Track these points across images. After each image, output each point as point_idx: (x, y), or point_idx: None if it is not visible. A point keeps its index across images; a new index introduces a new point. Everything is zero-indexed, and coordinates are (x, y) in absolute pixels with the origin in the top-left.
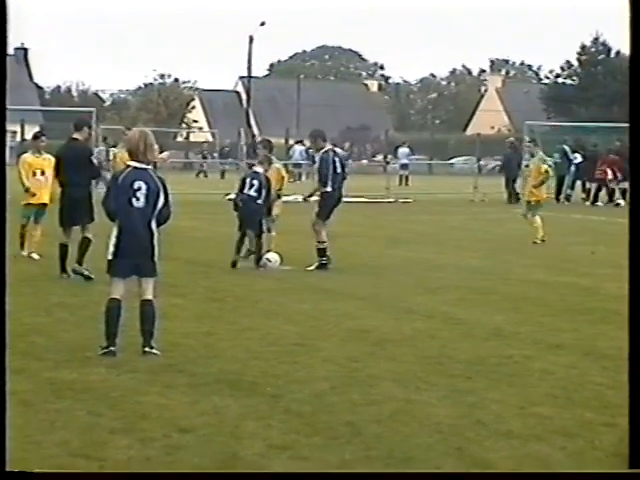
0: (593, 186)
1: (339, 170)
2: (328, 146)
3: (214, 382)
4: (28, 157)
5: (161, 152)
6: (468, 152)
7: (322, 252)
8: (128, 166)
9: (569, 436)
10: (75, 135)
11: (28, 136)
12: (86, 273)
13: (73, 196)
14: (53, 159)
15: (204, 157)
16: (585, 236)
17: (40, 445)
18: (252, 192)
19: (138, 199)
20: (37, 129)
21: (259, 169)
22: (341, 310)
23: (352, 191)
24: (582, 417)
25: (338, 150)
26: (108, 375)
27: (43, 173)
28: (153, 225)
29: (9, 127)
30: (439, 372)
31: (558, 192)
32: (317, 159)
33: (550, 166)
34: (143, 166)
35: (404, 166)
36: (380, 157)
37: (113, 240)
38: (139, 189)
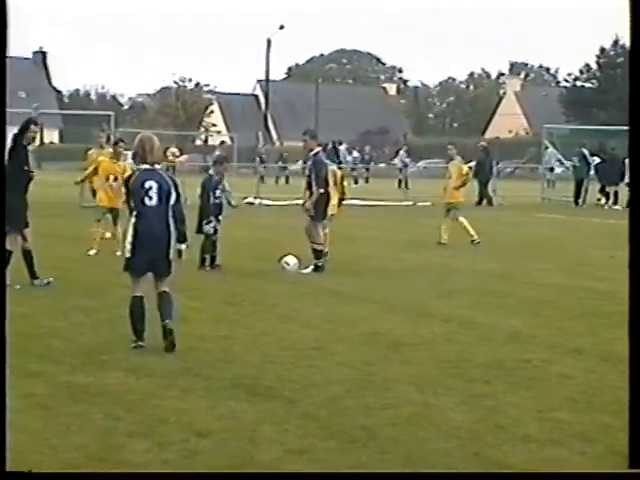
0: (612, 189)
1: (329, 171)
2: (318, 148)
3: (231, 386)
4: (104, 161)
5: (180, 155)
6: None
7: (318, 254)
8: (140, 169)
9: (588, 440)
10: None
11: (46, 140)
12: (45, 282)
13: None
14: (128, 166)
15: (262, 161)
16: (603, 240)
17: (57, 449)
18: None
19: (151, 198)
20: (56, 133)
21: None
22: (356, 313)
23: (370, 194)
24: (601, 421)
25: (355, 154)
26: (125, 379)
27: (116, 179)
28: (171, 224)
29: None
30: (456, 376)
31: (577, 196)
32: (309, 161)
33: (470, 168)
34: (152, 167)
35: (402, 169)
36: (397, 160)
37: (129, 239)
38: (150, 188)
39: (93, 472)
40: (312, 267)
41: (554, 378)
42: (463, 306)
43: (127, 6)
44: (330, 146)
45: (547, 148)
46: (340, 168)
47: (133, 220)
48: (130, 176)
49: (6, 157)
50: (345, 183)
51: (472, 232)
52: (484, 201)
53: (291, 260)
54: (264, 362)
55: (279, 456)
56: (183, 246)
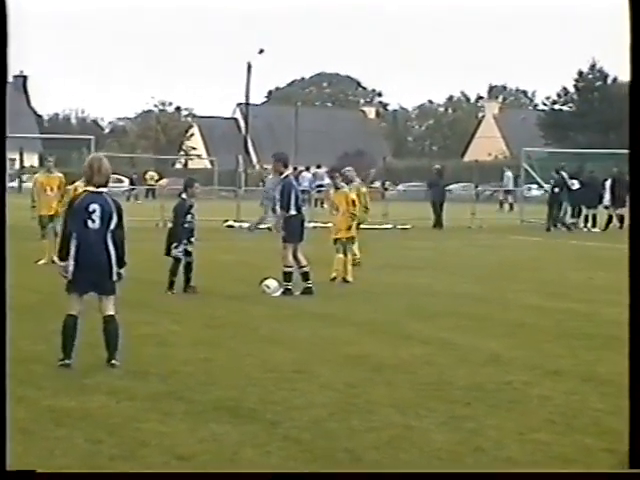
0: (590, 212)
1: (299, 194)
2: (288, 171)
3: (212, 409)
4: (41, 176)
5: (160, 179)
6: (466, 179)
7: (288, 277)
8: (85, 191)
9: (568, 462)
10: None
11: (27, 163)
12: None
13: None
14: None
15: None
16: (582, 262)
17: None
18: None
19: (94, 221)
20: (36, 157)
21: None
22: (339, 336)
23: None
24: (581, 443)
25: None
26: (107, 402)
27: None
28: (109, 244)
29: (8, 154)
30: (438, 398)
31: (555, 218)
32: (279, 185)
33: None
34: (98, 190)
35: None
36: (378, 184)
37: (71, 260)
38: (94, 211)
39: (93, 472)
40: (282, 290)
41: (534, 400)
42: (443, 328)
43: (107, 31)
44: (344, 171)
45: (504, 171)
46: (319, 192)
47: (74, 242)
48: (76, 196)
49: None
50: (357, 205)
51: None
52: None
53: (272, 283)
54: (246, 384)
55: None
56: (121, 270)
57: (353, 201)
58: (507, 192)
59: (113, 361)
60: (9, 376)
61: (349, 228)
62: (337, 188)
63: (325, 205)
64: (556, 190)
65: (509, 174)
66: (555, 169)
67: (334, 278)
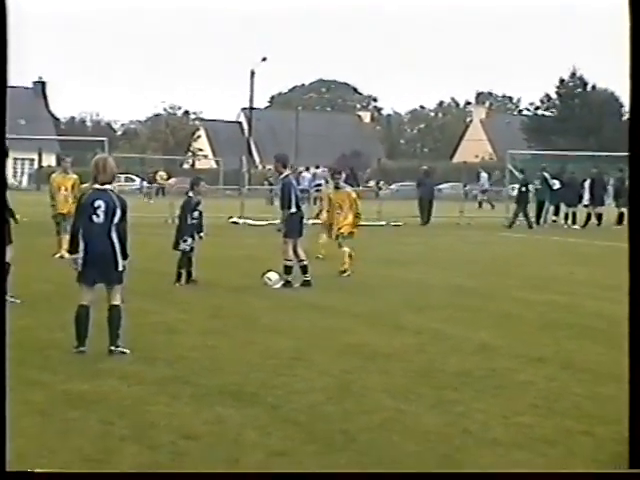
0: (570, 210)
1: (298, 193)
2: (288, 171)
3: (217, 393)
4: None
5: (169, 178)
6: (455, 179)
7: (288, 270)
8: (91, 188)
9: (550, 443)
10: None
11: (45, 163)
12: (12, 300)
13: None
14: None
15: (270, 184)
16: (564, 257)
17: (55, 452)
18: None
19: (98, 216)
20: (54, 157)
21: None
22: (336, 326)
23: None
24: (562, 425)
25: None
26: (118, 386)
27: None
28: (114, 237)
29: (28, 155)
30: (428, 384)
31: (538, 216)
32: (279, 184)
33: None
34: (103, 187)
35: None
36: (372, 183)
37: (81, 253)
38: (99, 207)
39: (93, 472)
40: (282, 283)
41: (519, 386)
42: (435, 319)
43: (121, 37)
44: (348, 171)
45: (479, 173)
46: (318, 191)
47: (82, 236)
48: (83, 194)
49: None
50: (359, 204)
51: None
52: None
53: (273, 276)
54: (249, 370)
55: (262, 458)
56: (125, 262)
57: (355, 200)
58: (483, 192)
59: (114, 348)
60: (25, 362)
61: (351, 225)
62: (338, 187)
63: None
64: (523, 189)
65: (484, 175)
66: (520, 170)
67: (344, 271)
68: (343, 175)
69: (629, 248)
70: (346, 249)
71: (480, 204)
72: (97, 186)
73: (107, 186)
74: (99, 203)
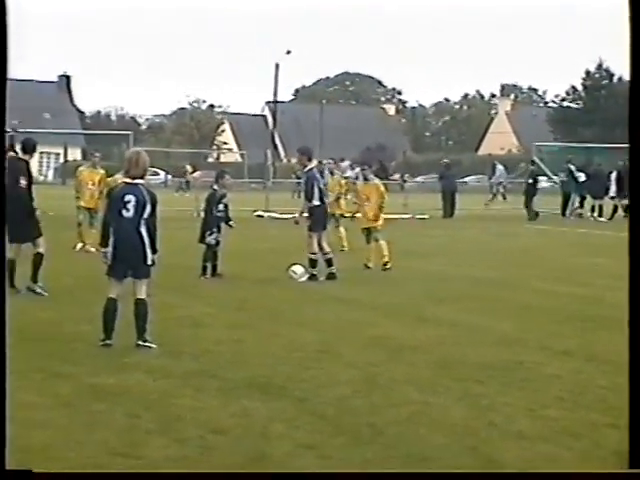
0: (596, 202)
1: (322, 185)
2: (312, 164)
3: (244, 386)
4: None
5: (194, 171)
6: (480, 171)
7: (313, 263)
8: (122, 182)
9: (575, 436)
10: (23, 157)
11: (70, 157)
12: (38, 290)
13: (14, 213)
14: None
15: (298, 177)
16: (587, 249)
17: (82, 444)
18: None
19: (128, 210)
20: (79, 151)
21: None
22: (361, 319)
23: None
24: (587, 418)
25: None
26: (144, 379)
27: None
28: (143, 231)
29: (53, 149)
30: (453, 376)
31: (564, 208)
32: (303, 177)
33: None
34: (134, 181)
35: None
36: (397, 176)
37: (110, 247)
38: (129, 201)
39: (93, 472)
40: (307, 276)
41: (544, 378)
42: (459, 311)
43: (144, 33)
44: (378, 165)
45: (495, 165)
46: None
47: (112, 230)
48: (114, 188)
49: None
50: (386, 197)
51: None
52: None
53: (298, 269)
54: (275, 364)
55: (290, 451)
56: (154, 256)
57: (382, 193)
58: (499, 184)
59: (141, 342)
60: (53, 355)
61: (377, 218)
62: (366, 180)
63: (349, 196)
64: (530, 181)
65: (500, 167)
66: (531, 162)
67: (386, 263)
68: (373, 168)
69: (629, 246)
70: (382, 242)
71: (494, 196)
72: (128, 180)
73: (138, 180)
74: (129, 197)
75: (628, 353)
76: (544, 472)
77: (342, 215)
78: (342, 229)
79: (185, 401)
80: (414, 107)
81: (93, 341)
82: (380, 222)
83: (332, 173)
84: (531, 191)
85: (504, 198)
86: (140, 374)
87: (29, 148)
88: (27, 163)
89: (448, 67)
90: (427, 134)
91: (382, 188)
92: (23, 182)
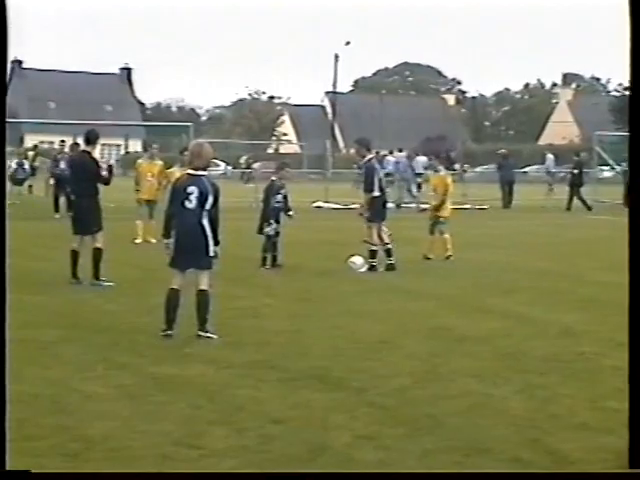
0: None
1: (382, 176)
2: (371, 155)
3: (303, 377)
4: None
5: (254, 163)
6: (541, 161)
7: (373, 254)
8: (186, 174)
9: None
10: (86, 148)
11: (131, 149)
12: (105, 284)
13: (80, 206)
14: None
15: (359, 167)
16: None
17: (144, 434)
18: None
19: (190, 201)
20: (140, 143)
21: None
22: (421, 309)
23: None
24: None
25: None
26: (206, 370)
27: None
28: (205, 223)
29: (114, 141)
30: (514, 368)
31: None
32: (362, 167)
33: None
34: (197, 173)
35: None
36: (457, 166)
37: (172, 239)
38: (191, 193)
39: (93, 472)
40: (367, 267)
41: (606, 370)
42: (520, 302)
43: (204, 25)
44: (444, 155)
45: (545, 154)
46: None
47: (174, 221)
48: (177, 179)
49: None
50: (451, 189)
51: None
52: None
53: (357, 260)
54: (334, 354)
55: (349, 442)
56: (216, 248)
57: (448, 184)
58: (548, 173)
59: (202, 333)
60: (115, 345)
61: (443, 209)
62: (436, 171)
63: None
64: (575, 172)
65: (550, 156)
66: (576, 154)
67: (449, 256)
68: (440, 158)
69: (629, 243)
70: (447, 235)
71: (551, 185)
72: (191, 172)
73: (201, 172)
74: (192, 189)
75: (628, 350)
76: (544, 472)
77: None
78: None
79: (246, 391)
80: (474, 97)
81: (155, 332)
82: (446, 214)
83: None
84: (576, 181)
85: (550, 189)
86: (201, 364)
87: (92, 139)
88: (91, 155)
89: (510, 56)
90: (487, 124)
91: (448, 180)
92: (88, 175)
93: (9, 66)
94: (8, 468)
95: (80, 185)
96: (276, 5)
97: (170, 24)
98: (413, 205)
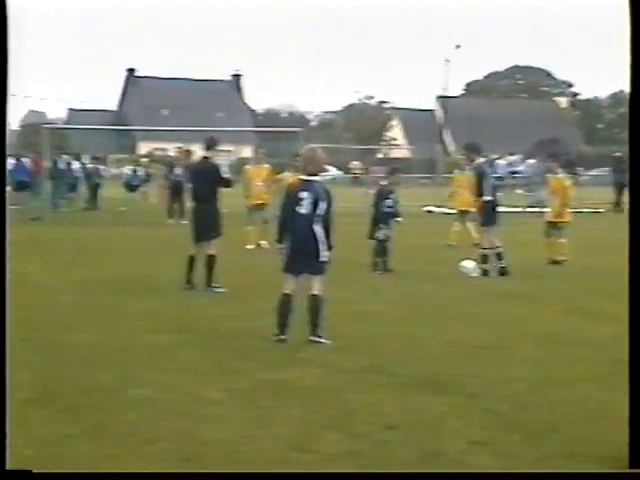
0: None
1: (493, 180)
2: (481, 159)
3: (415, 382)
4: (249, 168)
5: (363, 168)
6: None
7: (484, 258)
8: (298, 179)
9: None
10: (206, 154)
11: (243, 155)
12: (218, 290)
13: (200, 212)
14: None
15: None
16: None
17: (258, 438)
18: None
19: (303, 207)
20: (251, 149)
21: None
22: (533, 314)
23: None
24: None
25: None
26: (318, 375)
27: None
28: (317, 228)
29: (225, 147)
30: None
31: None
32: (471, 172)
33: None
34: (310, 178)
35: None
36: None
37: (286, 243)
38: (304, 198)
39: (93, 472)
40: (479, 271)
41: None
42: None
43: (312, 29)
44: (562, 157)
45: None
46: (514, 178)
47: (287, 226)
48: (290, 185)
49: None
50: (570, 192)
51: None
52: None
53: (469, 264)
54: (446, 359)
55: (464, 448)
56: (328, 253)
57: (567, 188)
58: None
59: (315, 337)
60: (228, 350)
61: (561, 214)
62: (554, 173)
63: (521, 191)
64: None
65: None
66: None
67: (563, 260)
68: (559, 162)
69: (629, 245)
70: (563, 240)
71: None
72: (304, 177)
73: (314, 177)
74: (305, 194)
75: (628, 350)
76: (544, 472)
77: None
78: (458, 223)
79: (358, 396)
80: (588, 99)
81: (267, 336)
82: (565, 218)
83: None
84: (619, 181)
85: None
86: (313, 369)
87: (212, 145)
88: (211, 161)
89: (624, 57)
90: (600, 126)
91: (567, 183)
92: (208, 181)
93: (125, 75)
94: (8, 468)
95: (201, 191)
96: (386, 10)
97: (279, 30)
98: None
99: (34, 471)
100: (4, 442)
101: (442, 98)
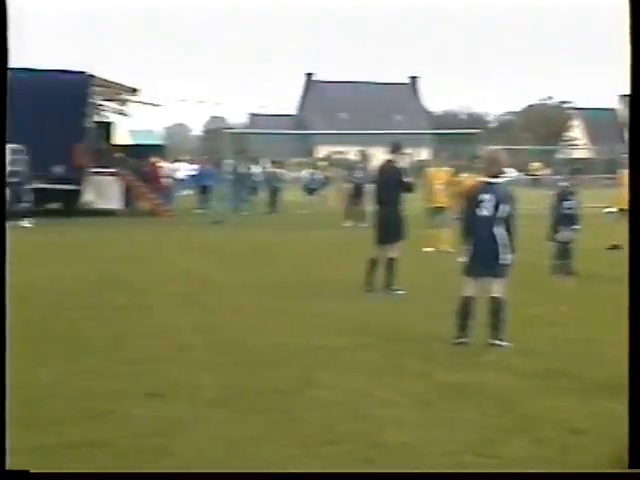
0: None
1: None
2: None
3: (599, 386)
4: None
5: (542, 169)
6: None
7: None
8: (480, 181)
9: None
10: (390, 157)
11: (421, 157)
12: (398, 292)
13: (384, 215)
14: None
15: None
16: None
17: (439, 441)
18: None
19: (484, 209)
20: (429, 151)
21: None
22: None
23: None
24: None
25: None
26: (498, 378)
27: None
28: (498, 230)
29: (405, 150)
30: None
31: None
32: None
33: None
34: (491, 180)
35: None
36: None
37: (468, 246)
38: (484, 200)
39: (93, 472)
40: None
41: None
42: None
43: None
44: None
45: None
46: None
47: (468, 229)
48: (470, 187)
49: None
50: None
51: None
52: None
53: None
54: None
55: None
56: (510, 255)
57: None
58: None
59: (495, 340)
60: (407, 352)
61: None
62: None
63: None
64: None
65: None
66: None
67: None
68: None
69: (629, 245)
70: None
71: None
72: (485, 179)
73: (495, 179)
74: (486, 196)
75: (628, 350)
76: (544, 472)
77: None
78: None
79: (540, 400)
80: None
81: (448, 339)
82: None
83: None
84: None
85: None
86: (493, 372)
87: (397, 148)
88: (396, 164)
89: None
90: None
91: None
92: (394, 184)
93: (303, 80)
94: (8, 468)
95: (386, 194)
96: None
97: (450, 31)
98: None
99: (31, 471)
100: (3, 442)
101: (626, 97)
